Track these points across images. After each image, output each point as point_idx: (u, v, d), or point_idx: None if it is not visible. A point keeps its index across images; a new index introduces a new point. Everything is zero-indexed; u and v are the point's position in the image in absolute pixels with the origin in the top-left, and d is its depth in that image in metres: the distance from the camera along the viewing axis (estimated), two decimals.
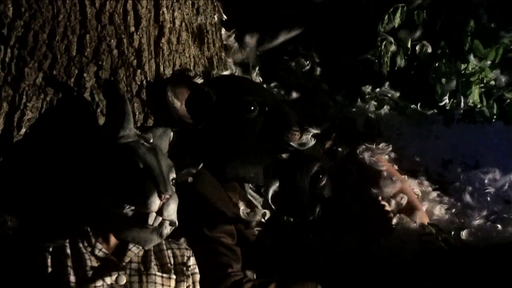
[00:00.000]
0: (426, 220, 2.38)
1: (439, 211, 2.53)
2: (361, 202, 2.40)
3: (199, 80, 2.33)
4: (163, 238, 1.87)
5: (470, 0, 3.39)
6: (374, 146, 2.60)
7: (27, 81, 2.04)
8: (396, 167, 2.61)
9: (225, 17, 2.70)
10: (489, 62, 3.24)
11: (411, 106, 3.13)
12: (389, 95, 3.13)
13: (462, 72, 3.22)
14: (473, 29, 3.26)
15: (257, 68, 2.74)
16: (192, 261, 1.95)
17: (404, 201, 2.39)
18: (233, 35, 2.80)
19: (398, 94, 3.15)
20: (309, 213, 2.28)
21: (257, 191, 2.31)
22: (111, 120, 2.00)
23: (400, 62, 3.24)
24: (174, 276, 1.88)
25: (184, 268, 1.92)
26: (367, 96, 3.12)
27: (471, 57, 3.21)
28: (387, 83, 3.15)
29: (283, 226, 2.25)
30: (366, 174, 2.52)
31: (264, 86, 2.71)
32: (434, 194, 2.61)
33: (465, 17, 3.30)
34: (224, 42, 2.76)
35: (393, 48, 3.22)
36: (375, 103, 3.09)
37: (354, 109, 3.09)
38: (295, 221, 2.28)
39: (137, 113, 2.19)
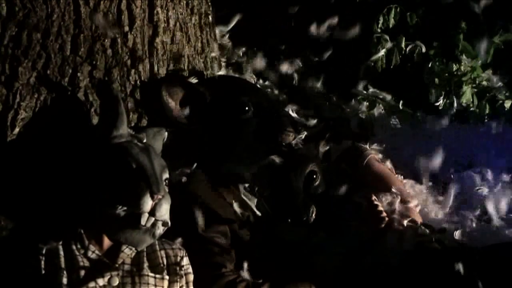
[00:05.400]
0: (419, 220, 2.38)
1: (432, 211, 2.53)
2: (355, 202, 2.40)
3: (194, 80, 2.33)
4: (156, 238, 1.87)
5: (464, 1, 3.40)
6: (368, 146, 2.60)
7: (21, 81, 2.04)
8: (390, 166, 2.61)
9: None
10: (480, 62, 3.26)
11: (401, 108, 3.14)
12: (381, 96, 3.14)
13: (455, 72, 3.23)
14: (464, 30, 3.27)
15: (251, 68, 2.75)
16: (185, 261, 1.95)
17: (397, 201, 2.40)
18: (227, 35, 2.80)
19: (389, 96, 3.16)
20: (303, 213, 2.29)
21: (251, 191, 2.31)
22: (105, 120, 2.00)
23: (395, 61, 3.26)
24: (167, 277, 1.88)
25: (177, 268, 1.92)
26: (359, 97, 3.13)
27: (463, 57, 3.23)
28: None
29: (277, 227, 2.26)
30: (359, 174, 2.52)
31: (258, 86, 2.72)
32: (428, 194, 2.61)
33: (458, 17, 3.31)
34: (219, 42, 2.76)
35: (388, 45, 3.23)
36: (367, 103, 3.10)
37: (348, 110, 3.10)
38: (289, 221, 2.28)
39: (131, 113, 2.19)
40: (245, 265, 2.07)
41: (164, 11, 2.35)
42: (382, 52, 3.26)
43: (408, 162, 2.83)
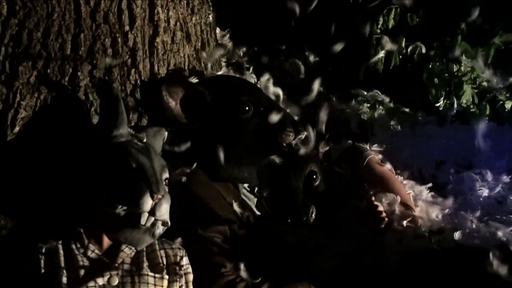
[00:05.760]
0: (419, 221, 2.38)
1: (432, 212, 2.53)
2: (354, 202, 2.40)
3: (194, 80, 2.33)
4: (156, 238, 1.87)
5: (463, 1, 3.40)
6: (368, 147, 2.60)
7: (21, 80, 2.04)
8: (389, 167, 2.61)
9: None
10: (480, 62, 3.25)
11: (402, 110, 3.14)
12: (380, 99, 3.14)
13: (455, 73, 3.23)
14: (464, 31, 3.28)
15: (251, 68, 2.75)
16: (185, 260, 1.95)
17: (397, 202, 2.40)
18: (228, 35, 2.80)
19: (388, 99, 3.16)
20: (302, 213, 2.29)
21: (251, 191, 2.31)
22: (105, 119, 2.00)
23: (394, 61, 3.26)
24: (166, 276, 1.88)
25: (177, 268, 1.92)
26: (359, 98, 3.13)
27: (463, 58, 3.23)
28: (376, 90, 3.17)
29: (277, 227, 2.26)
30: (359, 175, 2.52)
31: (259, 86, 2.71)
32: (428, 195, 2.61)
33: (457, 18, 3.31)
34: (219, 42, 2.76)
35: (388, 46, 3.24)
36: (368, 105, 3.10)
37: (348, 110, 3.10)
38: (289, 221, 2.28)
39: (131, 113, 2.19)
40: (242, 265, 2.07)
41: (165, 10, 2.35)
42: (382, 54, 3.27)
43: (408, 163, 2.83)
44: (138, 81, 2.24)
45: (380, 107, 3.11)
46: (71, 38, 2.13)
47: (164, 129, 2.12)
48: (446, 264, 2.12)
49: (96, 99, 2.11)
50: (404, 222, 2.30)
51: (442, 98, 3.18)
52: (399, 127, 3.05)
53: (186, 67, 2.41)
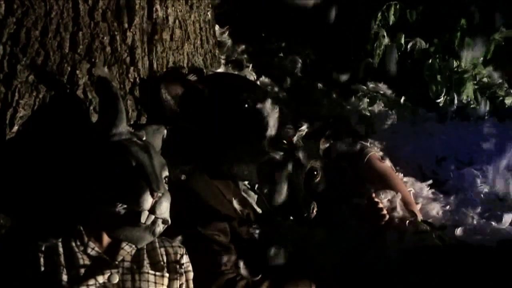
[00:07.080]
0: (420, 218, 2.38)
1: (433, 208, 2.53)
2: (355, 199, 2.40)
3: (193, 78, 2.33)
4: (156, 236, 1.86)
5: None
6: (368, 144, 2.60)
7: (20, 78, 2.04)
8: (390, 164, 2.61)
9: None
10: (481, 59, 3.26)
11: (402, 102, 3.14)
12: (381, 91, 3.14)
13: (455, 69, 3.23)
14: (464, 27, 3.27)
15: (250, 66, 2.75)
16: (185, 259, 1.95)
17: (398, 199, 2.39)
18: (227, 32, 2.80)
19: (390, 91, 3.16)
20: (303, 210, 2.28)
21: (251, 188, 2.31)
22: (104, 117, 2.00)
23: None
24: (167, 274, 1.88)
25: (177, 266, 1.92)
26: (360, 93, 3.13)
27: (464, 54, 3.22)
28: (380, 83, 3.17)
29: (277, 224, 2.26)
30: (360, 172, 2.52)
31: (258, 83, 2.71)
32: (428, 192, 2.61)
33: (457, 14, 3.31)
34: (218, 39, 2.76)
35: (386, 41, 3.23)
36: (368, 100, 3.09)
37: (348, 107, 3.10)
38: (290, 218, 2.28)
39: (130, 111, 2.19)
40: (242, 263, 2.07)
41: (163, 8, 2.35)
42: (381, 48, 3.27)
43: (408, 159, 2.83)
44: (137, 79, 2.23)
45: (380, 101, 3.10)
46: (69, 37, 2.12)
47: (164, 127, 2.12)
48: (447, 261, 2.11)
49: (95, 97, 2.10)
50: (405, 219, 2.30)
51: (442, 95, 3.18)
52: (400, 122, 3.05)
53: (185, 65, 2.41)
